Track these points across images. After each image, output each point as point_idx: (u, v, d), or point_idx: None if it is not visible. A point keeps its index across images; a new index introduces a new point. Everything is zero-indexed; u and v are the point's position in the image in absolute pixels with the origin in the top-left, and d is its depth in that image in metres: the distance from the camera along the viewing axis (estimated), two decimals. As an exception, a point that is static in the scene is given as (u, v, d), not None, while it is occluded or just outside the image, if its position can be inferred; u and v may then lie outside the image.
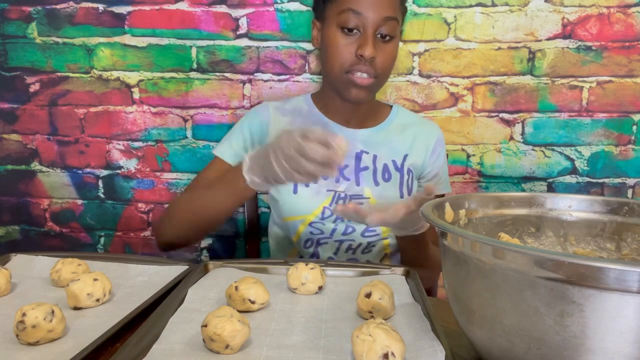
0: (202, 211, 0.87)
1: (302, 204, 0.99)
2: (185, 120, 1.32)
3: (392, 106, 1.10)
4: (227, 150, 1.01)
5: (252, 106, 1.30)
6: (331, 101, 1.02)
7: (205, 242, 1.37)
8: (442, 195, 1.08)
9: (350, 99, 0.95)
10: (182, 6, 1.26)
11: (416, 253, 0.93)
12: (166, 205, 1.35)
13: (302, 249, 1.02)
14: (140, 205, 1.36)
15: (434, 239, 0.99)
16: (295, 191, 0.99)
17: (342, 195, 1.00)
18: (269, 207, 1.34)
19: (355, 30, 0.91)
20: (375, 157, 1.02)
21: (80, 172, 1.36)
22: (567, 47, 1.23)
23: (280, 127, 1.02)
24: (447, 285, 0.55)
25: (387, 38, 0.92)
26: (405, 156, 1.04)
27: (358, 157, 1.02)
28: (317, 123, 1.04)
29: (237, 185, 0.80)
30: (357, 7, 0.89)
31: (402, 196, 1.03)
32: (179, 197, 0.95)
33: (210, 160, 1.03)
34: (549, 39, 1.23)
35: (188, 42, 1.28)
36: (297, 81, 1.29)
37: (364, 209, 0.75)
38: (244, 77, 1.29)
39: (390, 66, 0.96)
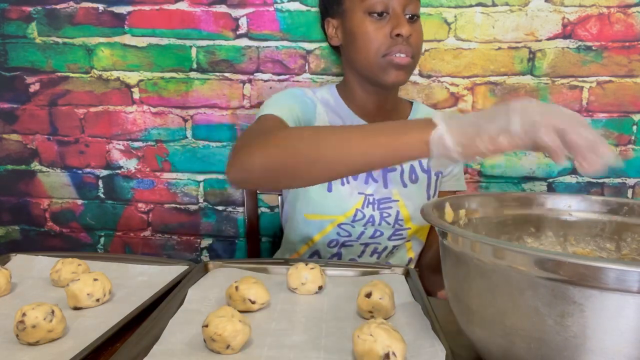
0: (331, 156, 0.63)
1: (335, 203, 0.96)
2: (185, 120, 1.31)
3: (412, 102, 1.09)
4: (285, 112, 0.89)
5: (252, 106, 1.30)
6: (358, 95, 1.00)
7: (206, 242, 1.37)
8: (454, 193, 1.08)
9: (390, 82, 0.93)
10: (182, 6, 1.26)
11: None
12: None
13: (326, 248, 1.00)
14: (140, 205, 1.36)
15: None
16: (329, 189, 0.96)
17: (371, 200, 0.98)
18: (269, 208, 1.35)
19: (384, 13, 0.91)
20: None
21: (80, 172, 1.36)
22: (567, 47, 1.23)
23: (321, 115, 0.98)
24: (447, 285, 0.55)
25: (414, 18, 0.93)
26: None
27: None
28: (345, 120, 1.00)
29: (409, 147, 0.58)
30: None
31: (429, 198, 1.02)
32: (292, 130, 0.72)
33: (261, 117, 0.88)
34: (549, 39, 1.23)
35: (188, 42, 1.28)
36: (297, 81, 1.28)
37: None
38: (244, 77, 1.29)
39: (421, 45, 0.96)
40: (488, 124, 0.54)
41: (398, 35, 0.89)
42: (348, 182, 0.97)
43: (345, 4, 0.94)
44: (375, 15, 0.90)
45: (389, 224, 0.99)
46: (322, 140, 0.64)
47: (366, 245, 1.00)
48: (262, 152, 0.67)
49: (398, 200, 0.99)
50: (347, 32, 0.95)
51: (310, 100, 0.98)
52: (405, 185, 1.00)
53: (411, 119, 0.62)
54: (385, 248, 1.01)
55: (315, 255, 1.02)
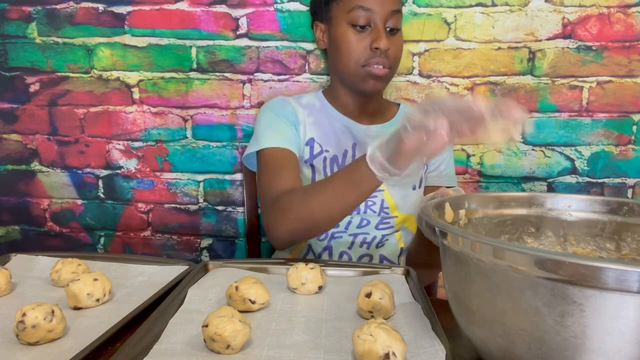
0: (323, 210, 0.81)
1: None
2: (185, 120, 1.31)
3: (399, 104, 1.13)
4: (279, 137, 0.98)
5: (252, 106, 1.30)
6: (342, 97, 1.05)
7: (206, 242, 1.37)
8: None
9: (368, 91, 0.99)
10: (182, 6, 1.26)
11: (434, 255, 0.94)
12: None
13: (316, 242, 1.03)
14: (140, 205, 1.36)
15: None
16: (313, 178, 1.01)
17: None
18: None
19: (366, 26, 0.95)
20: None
21: (80, 172, 1.35)
22: (567, 47, 1.23)
23: (303, 117, 1.03)
24: (447, 285, 0.55)
25: (395, 31, 0.97)
26: None
27: None
28: (330, 117, 1.06)
29: (362, 176, 0.73)
30: (366, 4, 0.94)
31: (414, 188, 1.06)
32: (292, 197, 0.85)
33: (261, 157, 0.98)
34: (549, 39, 1.23)
35: (188, 42, 1.28)
36: (297, 81, 1.29)
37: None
38: (244, 77, 1.29)
39: (400, 56, 1.00)
40: (396, 137, 0.65)
41: (377, 48, 0.94)
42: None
43: (332, 12, 0.98)
44: (358, 27, 0.95)
45: (374, 212, 1.02)
46: (313, 203, 0.81)
47: (355, 235, 1.02)
48: (283, 226, 0.85)
49: (383, 190, 1.03)
50: (331, 39, 1.00)
51: (291, 109, 1.04)
52: None
53: (356, 161, 0.76)
54: (374, 238, 1.03)
55: (309, 250, 1.04)
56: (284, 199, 0.86)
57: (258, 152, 1.00)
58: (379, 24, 0.94)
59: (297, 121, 1.03)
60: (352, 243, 1.02)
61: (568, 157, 1.28)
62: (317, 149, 1.03)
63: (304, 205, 0.82)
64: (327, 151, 1.03)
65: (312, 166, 1.02)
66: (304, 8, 1.24)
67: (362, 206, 1.01)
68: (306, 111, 1.05)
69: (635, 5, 1.20)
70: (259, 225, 1.28)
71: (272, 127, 1.01)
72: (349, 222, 1.01)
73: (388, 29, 0.96)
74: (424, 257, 0.98)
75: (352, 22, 0.95)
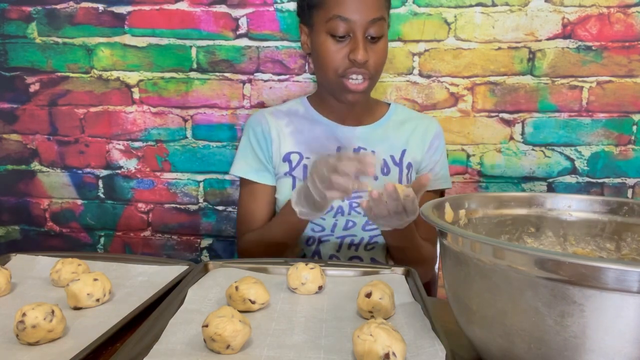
0: (276, 247, 0.95)
1: None
2: (185, 120, 1.32)
3: (389, 104, 1.11)
4: (247, 168, 1.04)
5: (252, 106, 1.30)
6: (327, 102, 1.04)
7: (206, 242, 1.38)
8: (442, 191, 1.09)
9: (347, 102, 0.98)
10: (182, 6, 1.26)
11: (404, 248, 0.96)
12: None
13: (305, 246, 1.03)
14: (140, 205, 1.36)
15: (423, 234, 1.00)
16: (294, 188, 1.01)
17: None
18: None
19: (345, 36, 0.92)
20: (373, 152, 1.04)
21: (80, 172, 1.36)
22: (567, 47, 1.23)
23: (279, 130, 1.04)
24: (447, 285, 0.55)
25: (376, 38, 0.94)
26: (404, 151, 1.05)
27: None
28: (314, 122, 1.05)
29: (291, 220, 0.89)
30: (344, 13, 0.90)
31: None
32: (250, 240, 1.01)
33: (240, 184, 1.07)
34: (549, 39, 1.23)
35: (188, 42, 1.28)
36: (297, 81, 1.29)
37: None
38: (244, 77, 1.29)
39: (382, 64, 0.97)
40: (311, 190, 0.79)
41: (355, 60, 0.91)
42: (347, 198, 1.00)
43: (314, 19, 0.96)
44: (337, 37, 0.92)
45: (358, 213, 1.01)
46: (262, 248, 0.97)
47: (342, 238, 1.02)
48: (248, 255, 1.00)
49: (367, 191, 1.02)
50: (312, 46, 0.98)
51: (264, 129, 1.04)
52: (376, 178, 1.03)
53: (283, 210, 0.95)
54: (362, 239, 1.03)
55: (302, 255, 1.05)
56: (248, 243, 1.01)
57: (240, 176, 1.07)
58: (358, 34, 0.91)
59: (269, 141, 1.03)
60: (340, 246, 1.02)
61: (568, 157, 1.28)
62: (295, 160, 1.02)
63: (262, 250, 0.97)
64: (307, 158, 1.02)
65: (293, 177, 1.02)
66: (304, 8, 1.24)
67: (346, 207, 1.00)
68: (285, 120, 1.05)
69: (635, 5, 1.20)
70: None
71: (244, 158, 1.05)
72: (334, 225, 1.01)
73: (369, 38, 0.92)
74: (400, 253, 0.99)
75: (331, 31, 0.91)
